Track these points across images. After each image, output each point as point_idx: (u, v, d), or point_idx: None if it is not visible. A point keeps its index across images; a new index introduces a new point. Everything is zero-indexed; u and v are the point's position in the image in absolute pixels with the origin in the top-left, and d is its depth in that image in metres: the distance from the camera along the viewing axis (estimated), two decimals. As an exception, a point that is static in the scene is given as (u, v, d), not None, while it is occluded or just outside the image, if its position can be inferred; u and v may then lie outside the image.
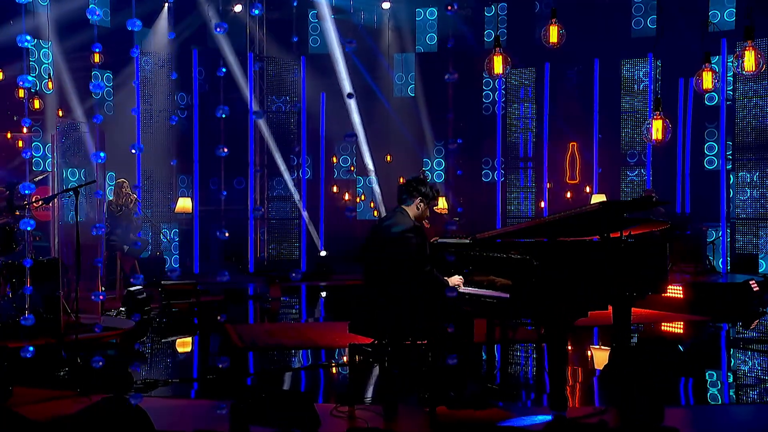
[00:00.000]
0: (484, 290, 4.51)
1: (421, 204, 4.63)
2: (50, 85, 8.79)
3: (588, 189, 13.02)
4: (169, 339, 7.27)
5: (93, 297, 2.81)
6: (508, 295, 4.29)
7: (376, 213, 14.02)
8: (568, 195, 13.31)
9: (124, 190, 9.59)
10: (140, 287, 8.40)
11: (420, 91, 14.41)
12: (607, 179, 13.03)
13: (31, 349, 2.10)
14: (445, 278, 4.60)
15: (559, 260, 4.24)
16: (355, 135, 12.19)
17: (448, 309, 4.51)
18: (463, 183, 14.43)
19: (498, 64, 6.45)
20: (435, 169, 14.76)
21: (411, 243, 4.48)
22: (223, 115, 2.43)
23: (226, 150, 2.52)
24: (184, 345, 7.14)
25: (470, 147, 14.46)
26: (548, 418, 4.14)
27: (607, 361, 6.05)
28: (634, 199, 5.82)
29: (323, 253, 13.08)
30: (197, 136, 12.70)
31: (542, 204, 13.54)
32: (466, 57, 14.24)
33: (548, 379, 4.37)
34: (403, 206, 4.66)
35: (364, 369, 5.07)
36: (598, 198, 11.72)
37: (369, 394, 4.86)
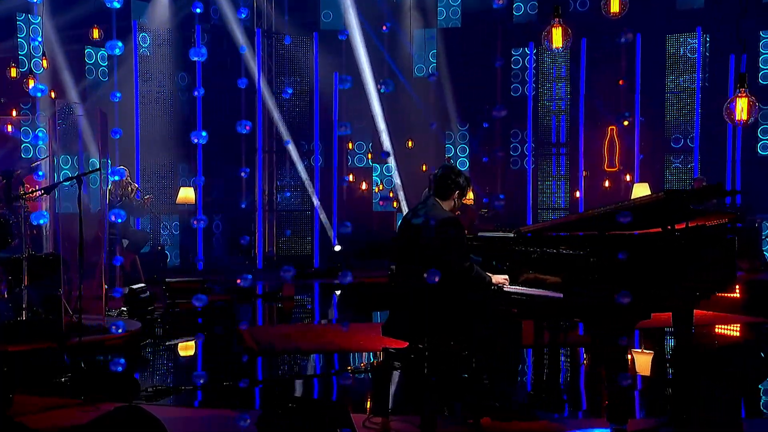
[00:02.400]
0: (534, 289, 4.42)
1: (457, 198, 4.61)
2: (45, 63, 8.73)
3: (628, 177, 12.87)
4: (176, 341, 7.22)
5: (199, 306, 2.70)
6: (561, 295, 4.19)
7: (395, 204, 13.93)
8: (606, 184, 13.17)
9: (124, 179, 9.54)
10: (143, 285, 8.38)
11: (443, 70, 14.26)
12: (649, 166, 12.87)
13: (122, 361, 2.01)
14: (488, 274, 4.52)
15: (617, 255, 4.13)
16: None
17: (492, 309, 4.44)
18: (490, 171, 14.32)
19: (557, 37, 6.30)
20: (459, 156, 14.63)
21: (449, 235, 4.42)
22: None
23: (347, 129, 2.40)
24: (193, 349, 7.09)
25: (497, 131, 14.32)
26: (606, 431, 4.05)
27: (650, 367, 5.95)
28: (701, 188, 5.70)
29: (337, 248, 13.01)
30: (200, 120, 12.64)
31: (577, 194, 13.39)
32: (493, 33, 14.09)
33: (607, 388, 4.27)
34: (436, 198, 4.61)
35: (393, 374, 4.99)
36: (640, 187, 11.56)
37: (405, 403, 4.79)
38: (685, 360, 4.59)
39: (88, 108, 8.90)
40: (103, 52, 12.62)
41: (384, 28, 12.83)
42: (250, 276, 3.03)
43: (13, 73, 8.94)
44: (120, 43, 2.05)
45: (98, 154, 6.89)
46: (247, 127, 2.55)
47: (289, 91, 9.47)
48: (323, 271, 12.44)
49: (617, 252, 4.20)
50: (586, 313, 4.14)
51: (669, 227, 4.37)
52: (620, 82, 12.54)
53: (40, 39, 10.29)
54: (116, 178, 2.44)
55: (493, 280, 4.49)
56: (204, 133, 2.20)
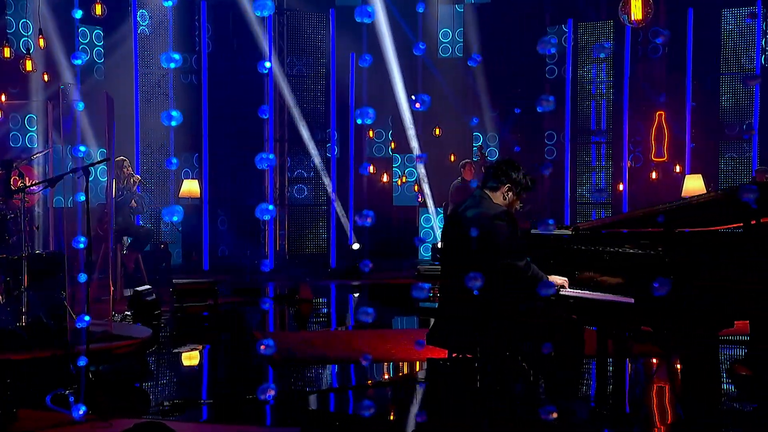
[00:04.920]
0: (597, 293, 4.32)
1: (509, 193, 4.54)
2: (41, 42, 8.67)
3: (678, 168, 12.71)
4: (187, 349, 7.16)
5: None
6: (632, 300, 4.08)
7: (420, 198, 13.83)
8: (654, 175, 13.00)
9: (125, 170, 9.48)
10: (148, 287, 8.32)
11: (471, 49, 14.10)
12: (701, 156, 12.70)
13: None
14: (546, 276, 4.43)
15: (695, 256, 4.03)
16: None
17: (552, 314, 4.34)
18: (522, 161, 14.14)
19: (637, 9, 6.15)
20: (488, 145, 14.47)
21: (501, 232, 4.34)
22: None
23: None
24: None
25: (531, 118, 14.15)
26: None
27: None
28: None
29: (356, 246, 12.93)
30: (206, 106, 12.56)
31: (620, 187, 13.25)
32: (524, 8, 13.94)
33: (682, 404, 4.16)
34: (486, 191, 4.55)
35: (441, 388, 4.90)
36: (692, 179, 11.45)
37: (450, 418, 4.69)
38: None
39: (88, 91, 8.82)
40: (98, 30, 12.57)
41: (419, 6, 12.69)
42: (427, 285, 2.82)
43: (6, 53, 8.88)
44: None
45: (105, 143, 6.78)
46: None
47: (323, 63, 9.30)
48: (341, 270, 12.37)
49: (697, 251, 4.10)
50: (661, 320, 4.03)
51: (753, 222, 4.25)
52: None
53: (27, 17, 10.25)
54: (265, 166, 2.33)
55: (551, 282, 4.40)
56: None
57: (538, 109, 1.84)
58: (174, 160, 2.08)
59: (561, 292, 4.46)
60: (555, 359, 4.40)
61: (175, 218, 1.90)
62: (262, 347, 1.86)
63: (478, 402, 4.24)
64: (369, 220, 1.92)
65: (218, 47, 13.22)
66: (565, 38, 13.77)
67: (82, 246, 2.54)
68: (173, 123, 1.92)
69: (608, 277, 4.38)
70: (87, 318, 2.86)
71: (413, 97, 12.51)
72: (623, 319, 4.32)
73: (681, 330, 3.94)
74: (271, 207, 1.90)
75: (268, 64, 2.34)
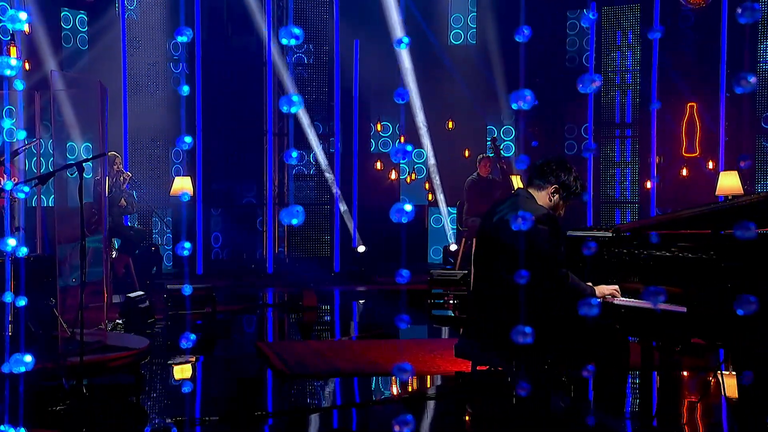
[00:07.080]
0: (645, 302, 4.25)
1: (555, 195, 4.46)
2: (27, 28, 8.61)
3: (711, 164, 12.61)
4: (185, 360, 7.09)
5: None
6: (684, 309, 4.00)
7: (430, 196, 13.75)
8: (684, 172, 12.91)
9: (115, 167, 9.41)
10: (141, 293, 8.26)
11: (485, 36, 14.02)
12: (736, 151, 12.60)
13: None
14: (589, 285, 4.35)
15: (755, 260, 3.95)
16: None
17: (592, 326, 4.27)
18: (540, 157, 14.04)
19: None
20: (503, 139, 14.39)
21: (542, 236, 4.26)
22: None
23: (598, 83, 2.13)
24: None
25: (549, 110, 14.07)
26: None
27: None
28: None
29: (361, 249, 12.84)
30: (199, 97, 12.47)
31: (648, 185, 13.15)
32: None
33: (737, 424, 4.09)
34: (529, 189, 4.48)
35: (465, 403, 4.84)
36: (727, 176, 11.35)
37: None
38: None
39: (72, 80, 8.72)
40: (82, 15, 12.48)
41: None
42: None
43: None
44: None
45: (99, 137, 6.68)
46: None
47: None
48: (346, 275, 12.29)
49: (750, 256, 4.02)
50: (717, 331, 3.96)
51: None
52: None
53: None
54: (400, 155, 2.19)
55: (598, 293, 4.31)
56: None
57: (737, 91, 1.72)
58: (294, 154, 1.99)
59: (614, 302, 4.38)
60: (598, 372, 4.33)
61: (294, 221, 1.82)
62: (398, 371, 1.76)
63: (517, 418, 4.17)
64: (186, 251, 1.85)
65: (212, 33, 13.11)
66: (587, 20, 13.69)
67: (186, 253, 2.45)
68: (294, 109, 1.82)
69: (651, 284, 4.31)
70: (193, 336, 2.78)
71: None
72: (673, 330, 4.24)
73: (738, 342, 3.87)
74: (409, 208, 1.80)
75: (406, 40, 2.23)
